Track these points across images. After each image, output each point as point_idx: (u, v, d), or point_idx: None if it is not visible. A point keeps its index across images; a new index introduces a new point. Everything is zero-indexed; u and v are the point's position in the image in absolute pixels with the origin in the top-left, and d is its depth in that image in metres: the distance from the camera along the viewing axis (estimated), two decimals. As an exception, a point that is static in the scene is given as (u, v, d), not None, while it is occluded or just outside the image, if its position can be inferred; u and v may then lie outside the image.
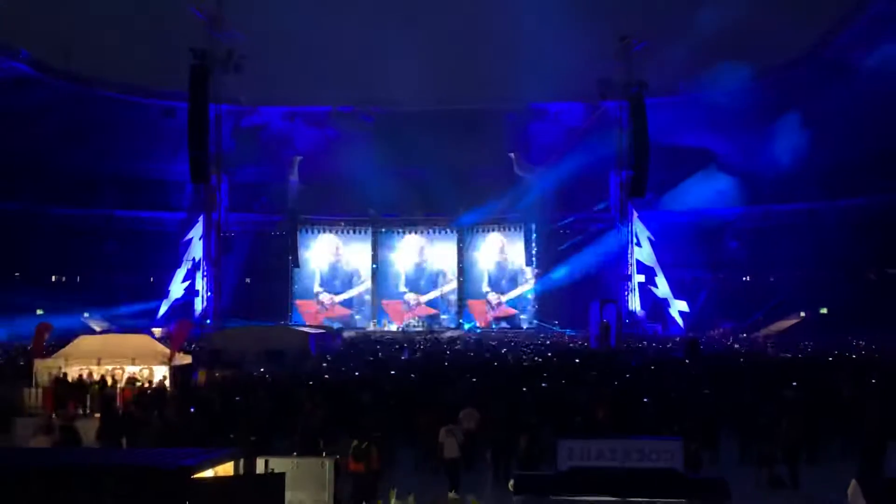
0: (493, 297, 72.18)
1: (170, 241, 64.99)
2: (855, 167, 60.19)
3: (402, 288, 72.75)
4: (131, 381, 24.20)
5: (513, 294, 72.06)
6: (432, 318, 71.12)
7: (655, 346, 47.50)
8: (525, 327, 68.85)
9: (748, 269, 68.48)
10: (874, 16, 55.15)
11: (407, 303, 72.42)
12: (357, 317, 71.83)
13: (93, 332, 49.04)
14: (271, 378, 26.58)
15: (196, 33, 53.61)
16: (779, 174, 64.02)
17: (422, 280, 73.11)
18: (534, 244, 70.61)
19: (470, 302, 72.33)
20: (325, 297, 72.26)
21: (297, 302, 71.18)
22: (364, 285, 73.10)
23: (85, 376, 24.06)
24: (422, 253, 73.81)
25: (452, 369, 28.03)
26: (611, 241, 62.93)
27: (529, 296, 71.20)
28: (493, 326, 69.67)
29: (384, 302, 72.19)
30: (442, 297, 72.49)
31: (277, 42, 66.90)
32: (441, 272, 73.05)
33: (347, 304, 72.73)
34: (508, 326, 69.44)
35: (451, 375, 25.26)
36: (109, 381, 23.61)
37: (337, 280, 73.03)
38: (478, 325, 70.51)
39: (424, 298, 72.58)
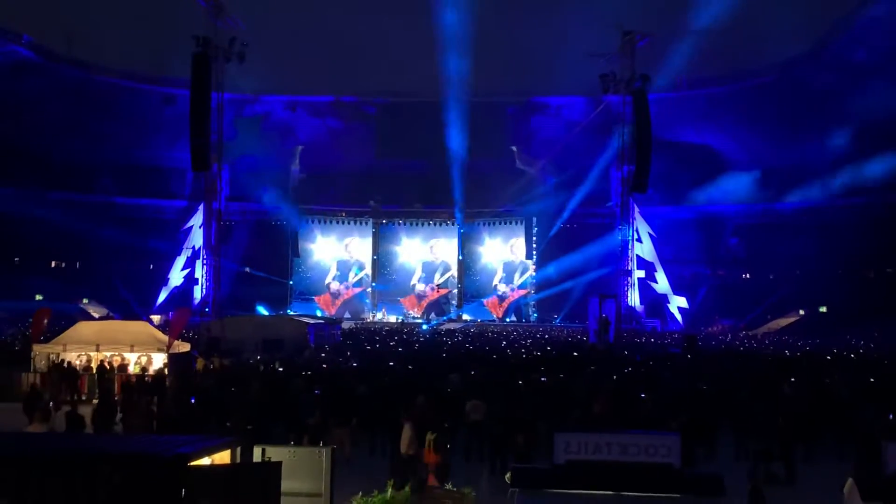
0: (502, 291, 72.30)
1: (169, 228, 64.96)
2: (856, 166, 60.14)
3: (414, 279, 72.82)
4: (125, 367, 24.22)
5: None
6: (440, 308, 71.23)
7: (654, 341, 47.50)
8: (524, 321, 68.88)
9: (748, 267, 68.51)
10: (876, 15, 55.02)
11: (419, 295, 72.46)
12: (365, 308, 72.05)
13: (91, 318, 49.15)
14: (269, 367, 26.55)
15: (198, 20, 53.40)
16: (780, 171, 63.99)
17: (423, 272, 73.14)
18: (534, 238, 70.58)
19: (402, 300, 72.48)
20: (335, 286, 72.35)
21: (316, 298, 71.20)
22: (364, 276, 73.17)
23: (83, 362, 24.07)
24: (423, 245, 73.80)
25: (450, 362, 27.99)
26: (611, 237, 62.89)
27: (530, 290, 71.28)
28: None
29: (402, 300, 72.19)
30: (439, 288, 72.64)
31: (280, 31, 66.79)
32: (444, 264, 73.13)
33: (357, 295, 72.87)
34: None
35: (449, 368, 25.20)
36: (108, 368, 23.62)
37: (338, 271, 73.07)
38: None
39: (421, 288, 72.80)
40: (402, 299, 72.10)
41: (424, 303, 72.06)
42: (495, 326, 62.68)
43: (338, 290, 72.29)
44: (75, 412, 15.95)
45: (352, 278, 72.73)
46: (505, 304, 71.92)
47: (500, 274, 72.37)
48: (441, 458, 13.25)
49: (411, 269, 73.16)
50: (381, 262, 73.29)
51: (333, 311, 69.08)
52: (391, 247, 73.67)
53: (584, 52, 59.76)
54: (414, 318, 68.89)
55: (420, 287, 72.34)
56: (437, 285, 72.78)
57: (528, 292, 71.44)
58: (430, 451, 13.39)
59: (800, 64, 62.83)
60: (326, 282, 72.29)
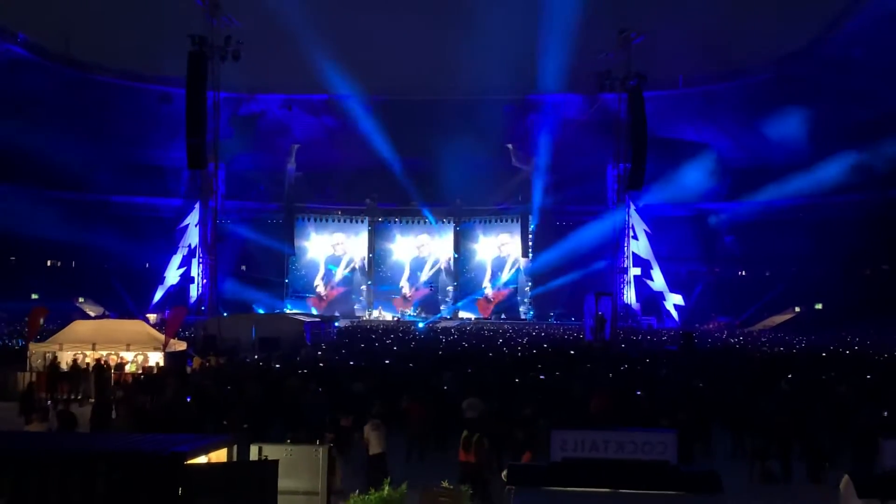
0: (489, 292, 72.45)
1: (165, 227, 64.84)
2: (851, 163, 60.26)
3: (402, 280, 72.80)
4: (123, 366, 24.19)
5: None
6: (428, 305, 71.26)
7: (650, 338, 47.55)
8: (520, 318, 68.87)
9: (744, 264, 68.59)
10: (871, 13, 55.13)
11: (405, 296, 72.53)
12: (356, 306, 71.89)
13: (87, 316, 49.07)
14: (265, 365, 26.54)
15: (194, 20, 53.42)
16: (775, 169, 64.10)
17: (418, 271, 73.14)
18: (530, 236, 70.57)
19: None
20: (323, 290, 72.40)
21: (309, 298, 71.20)
22: (354, 273, 73.14)
23: (79, 361, 24.03)
24: (419, 243, 73.77)
25: (446, 360, 27.99)
26: (607, 234, 62.93)
27: (526, 287, 71.27)
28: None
29: (394, 300, 72.24)
30: (430, 286, 72.73)
31: (275, 29, 66.59)
32: (434, 261, 73.13)
33: (345, 293, 72.85)
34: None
35: (445, 366, 25.20)
36: (104, 367, 23.58)
37: (334, 270, 73.01)
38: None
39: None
40: (393, 299, 72.22)
41: (411, 301, 72.12)
42: (491, 324, 62.71)
43: (325, 290, 72.34)
44: (67, 410, 15.95)
45: (338, 276, 72.72)
46: (493, 304, 71.95)
47: (488, 272, 72.46)
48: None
49: (406, 268, 73.27)
50: (377, 259, 73.31)
51: (321, 310, 69.05)
52: (386, 244, 73.71)
53: (581, 49, 59.81)
54: (410, 316, 68.93)
55: (406, 288, 72.49)
56: (424, 283, 72.81)
57: (521, 289, 71.41)
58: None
59: (796, 61, 62.90)
60: (315, 283, 72.29)
